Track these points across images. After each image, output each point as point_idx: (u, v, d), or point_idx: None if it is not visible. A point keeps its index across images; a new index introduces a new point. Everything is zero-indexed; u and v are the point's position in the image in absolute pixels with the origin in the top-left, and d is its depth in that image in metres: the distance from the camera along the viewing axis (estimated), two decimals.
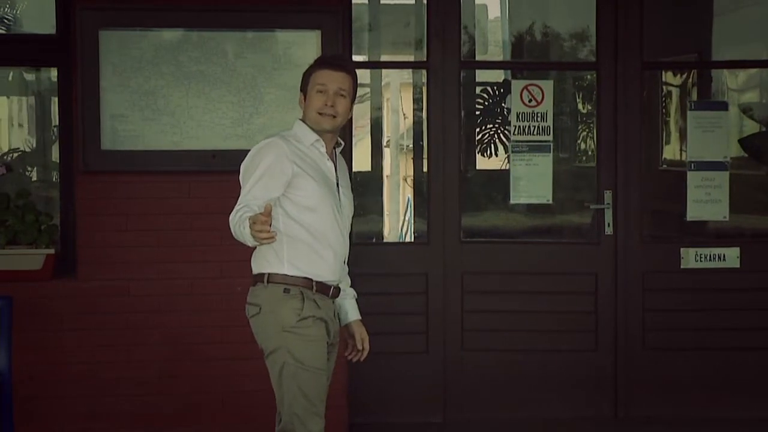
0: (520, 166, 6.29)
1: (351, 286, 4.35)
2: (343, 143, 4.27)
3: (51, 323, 5.61)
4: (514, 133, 6.28)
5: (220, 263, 5.69)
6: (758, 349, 6.28)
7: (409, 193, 8.47)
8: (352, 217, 4.34)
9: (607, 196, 6.23)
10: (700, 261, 6.25)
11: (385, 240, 7.52)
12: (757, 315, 6.28)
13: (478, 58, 7.33)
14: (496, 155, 6.97)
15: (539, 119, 6.25)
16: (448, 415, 6.26)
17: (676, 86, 7.38)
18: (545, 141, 6.28)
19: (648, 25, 6.32)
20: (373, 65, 7.16)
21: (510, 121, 6.29)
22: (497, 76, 7.18)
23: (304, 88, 4.16)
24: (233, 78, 5.67)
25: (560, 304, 6.26)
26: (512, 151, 6.30)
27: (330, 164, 4.15)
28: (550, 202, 6.36)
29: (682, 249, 6.27)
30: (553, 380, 6.27)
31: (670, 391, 6.28)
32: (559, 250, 6.41)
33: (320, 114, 4.06)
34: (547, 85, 6.33)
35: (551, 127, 6.27)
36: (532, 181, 6.29)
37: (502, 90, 7.03)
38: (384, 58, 7.20)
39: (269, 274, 4.06)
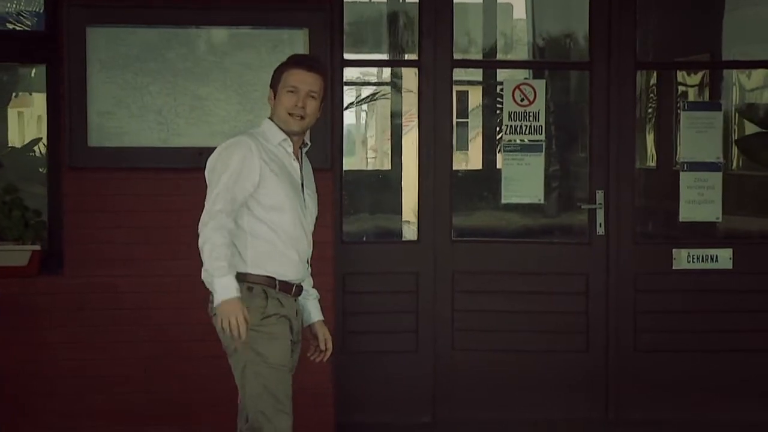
0: (512, 166, 6.26)
1: (314, 286, 4.36)
2: (309, 143, 4.26)
3: (37, 320, 5.60)
4: (506, 133, 6.26)
5: None
6: (750, 351, 6.24)
7: None
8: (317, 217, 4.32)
9: (599, 196, 6.20)
10: (693, 262, 6.22)
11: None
12: (749, 316, 6.25)
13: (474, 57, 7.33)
14: None
15: (531, 119, 6.23)
16: (438, 414, 6.24)
17: (671, 86, 7.34)
18: (537, 140, 6.25)
19: (644, 25, 6.31)
20: (365, 64, 7.16)
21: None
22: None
23: (274, 86, 4.15)
24: (220, 75, 5.66)
25: (551, 304, 6.23)
26: (504, 151, 6.28)
27: (296, 164, 4.15)
28: (542, 201, 6.34)
29: (674, 250, 6.24)
30: (544, 381, 6.24)
31: (662, 393, 6.24)
32: (551, 250, 6.38)
33: (290, 114, 4.07)
34: (540, 85, 6.31)
35: (543, 126, 6.24)
36: (524, 181, 6.26)
37: None
38: (376, 56, 7.18)
39: None
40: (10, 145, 7.02)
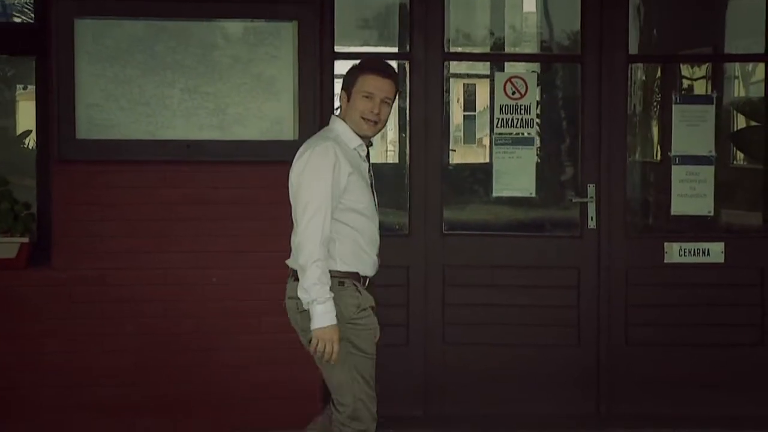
0: (503, 159, 6.24)
1: None
2: (372, 144, 4.40)
3: (25, 312, 5.62)
4: (497, 126, 6.24)
5: (196, 253, 5.70)
6: (741, 346, 6.22)
7: None
8: None
9: (591, 189, 6.17)
10: (684, 256, 6.19)
11: None
12: (740, 311, 6.22)
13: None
14: None
15: (522, 112, 6.21)
16: (428, 408, 6.22)
17: (665, 79, 7.31)
18: (528, 134, 6.23)
19: (640, 18, 6.28)
20: (356, 57, 7.08)
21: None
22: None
23: (347, 88, 4.27)
24: (209, 68, 5.68)
25: (542, 298, 6.20)
26: (495, 144, 6.25)
27: (366, 165, 4.31)
28: (533, 195, 6.31)
29: (665, 243, 6.21)
30: (535, 376, 6.21)
31: (654, 388, 6.21)
32: (542, 243, 6.35)
33: (363, 119, 4.21)
34: (531, 78, 6.29)
35: (534, 119, 6.23)
36: (515, 174, 6.24)
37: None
38: (368, 49, 7.14)
39: None
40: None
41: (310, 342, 4.20)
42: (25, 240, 5.63)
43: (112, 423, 5.73)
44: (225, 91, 5.67)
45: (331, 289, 4.10)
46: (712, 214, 6.27)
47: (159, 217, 5.67)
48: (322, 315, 4.04)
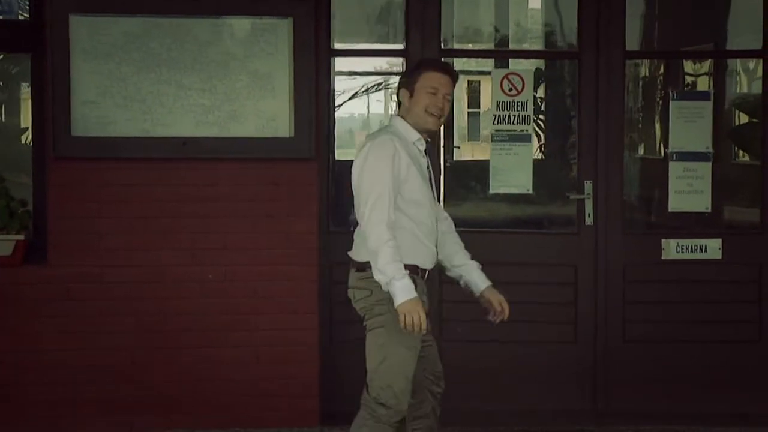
0: (500, 156, 6.23)
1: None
2: (429, 140, 4.54)
3: (21, 310, 5.62)
4: (494, 123, 6.23)
5: (192, 250, 5.69)
6: (739, 342, 6.22)
7: None
8: None
9: (588, 186, 6.17)
10: (682, 252, 6.18)
11: None
12: (738, 307, 6.22)
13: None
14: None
15: (519, 108, 6.20)
16: None
17: (665, 76, 7.31)
18: (525, 130, 6.22)
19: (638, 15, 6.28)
20: (354, 53, 7.10)
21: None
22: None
23: (409, 86, 4.43)
24: (204, 65, 5.67)
25: (540, 295, 6.18)
26: (493, 141, 6.25)
27: (425, 160, 4.46)
28: (530, 192, 6.30)
29: (663, 240, 6.20)
30: (532, 372, 6.21)
31: (651, 384, 6.21)
32: (539, 240, 6.35)
33: (428, 112, 4.37)
34: (528, 74, 6.28)
35: (531, 116, 6.21)
36: (512, 171, 6.23)
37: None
38: (366, 46, 7.15)
39: None
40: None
41: (365, 327, 4.39)
42: (21, 237, 5.62)
43: (108, 420, 5.72)
44: (221, 88, 5.66)
45: None
46: (709, 210, 6.27)
47: (155, 214, 5.66)
48: (402, 290, 4.15)
